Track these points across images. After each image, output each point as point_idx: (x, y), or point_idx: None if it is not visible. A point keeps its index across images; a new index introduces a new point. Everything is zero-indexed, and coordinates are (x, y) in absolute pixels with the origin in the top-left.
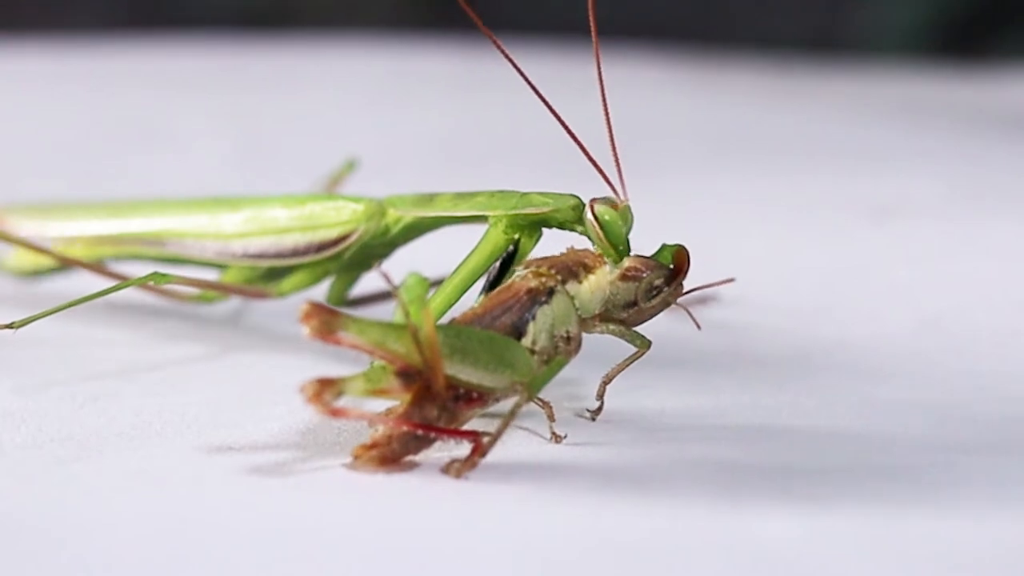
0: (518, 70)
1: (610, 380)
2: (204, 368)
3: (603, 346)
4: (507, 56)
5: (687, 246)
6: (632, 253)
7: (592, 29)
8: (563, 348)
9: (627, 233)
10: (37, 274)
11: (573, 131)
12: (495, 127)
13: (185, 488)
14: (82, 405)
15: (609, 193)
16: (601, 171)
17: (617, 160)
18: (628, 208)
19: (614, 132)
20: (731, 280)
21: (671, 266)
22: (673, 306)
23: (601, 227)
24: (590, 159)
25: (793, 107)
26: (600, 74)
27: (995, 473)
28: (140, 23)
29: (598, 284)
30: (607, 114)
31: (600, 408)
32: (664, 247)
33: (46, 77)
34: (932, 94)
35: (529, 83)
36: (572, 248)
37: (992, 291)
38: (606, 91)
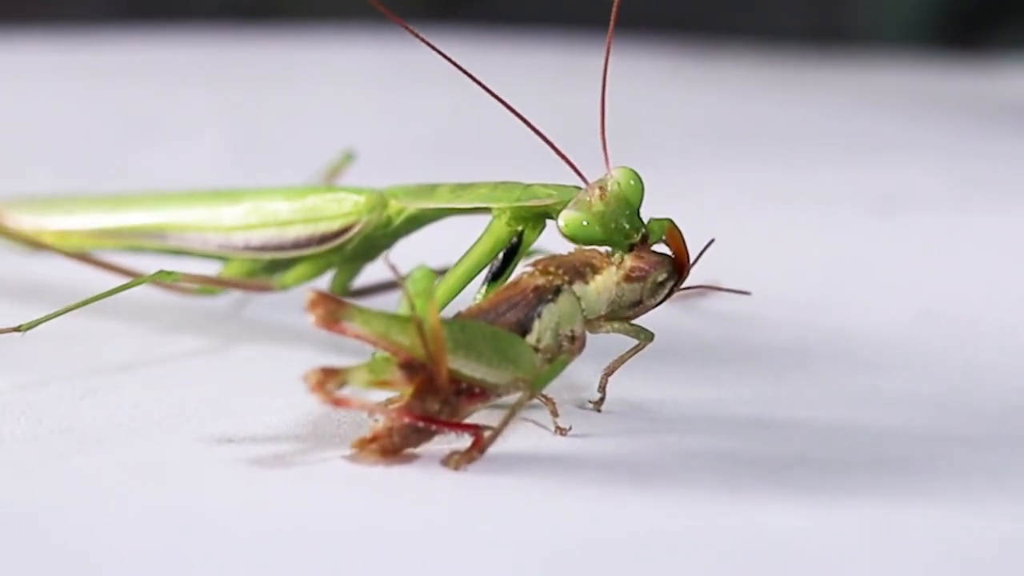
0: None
1: (612, 371)
2: (204, 361)
3: (603, 336)
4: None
5: (681, 229)
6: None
7: (611, 23)
8: (567, 347)
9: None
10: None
11: (524, 118)
12: (494, 119)
13: (185, 480)
14: (82, 398)
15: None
16: (569, 162)
17: (605, 150)
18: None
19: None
20: (747, 293)
21: (672, 257)
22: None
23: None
24: (554, 148)
25: (794, 99)
26: (606, 65)
27: (995, 465)
28: (140, 16)
29: (604, 285)
30: (603, 104)
31: (602, 399)
32: (652, 221)
33: (45, 71)
34: (934, 85)
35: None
36: (579, 248)
37: (993, 283)
38: (606, 84)
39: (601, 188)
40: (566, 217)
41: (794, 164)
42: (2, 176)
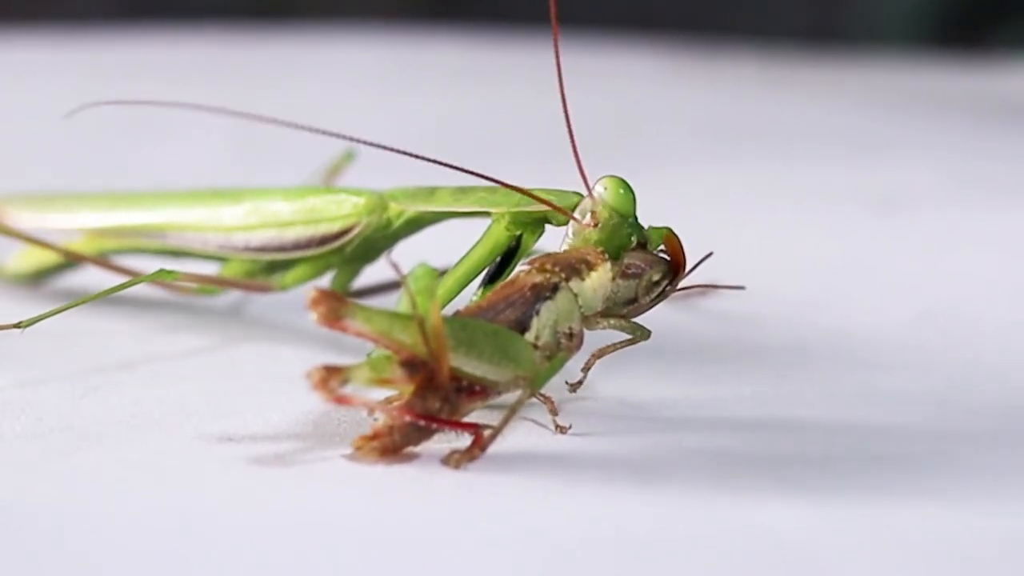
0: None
1: (601, 355)
2: (204, 359)
3: (601, 335)
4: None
5: (677, 232)
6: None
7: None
8: (565, 344)
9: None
10: (39, 277)
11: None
12: (494, 118)
13: (185, 479)
14: (82, 396)
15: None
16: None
17: (580, 165)
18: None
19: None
20: (742, 287)
21: (668, 258)
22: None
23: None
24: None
25: (793, 98)
26: (560, 71)
27: (995, 465)
28: (141, 13)
29: (600, 281)
30: (567, 116)
31: (581, 382)
32: (651, 229)
33: (46, 67)
34: (933, 84)
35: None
36: (574, 245)
37: (992, 281)
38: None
39: (592, 213)
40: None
41: (794, 164)
42: (2, 175)
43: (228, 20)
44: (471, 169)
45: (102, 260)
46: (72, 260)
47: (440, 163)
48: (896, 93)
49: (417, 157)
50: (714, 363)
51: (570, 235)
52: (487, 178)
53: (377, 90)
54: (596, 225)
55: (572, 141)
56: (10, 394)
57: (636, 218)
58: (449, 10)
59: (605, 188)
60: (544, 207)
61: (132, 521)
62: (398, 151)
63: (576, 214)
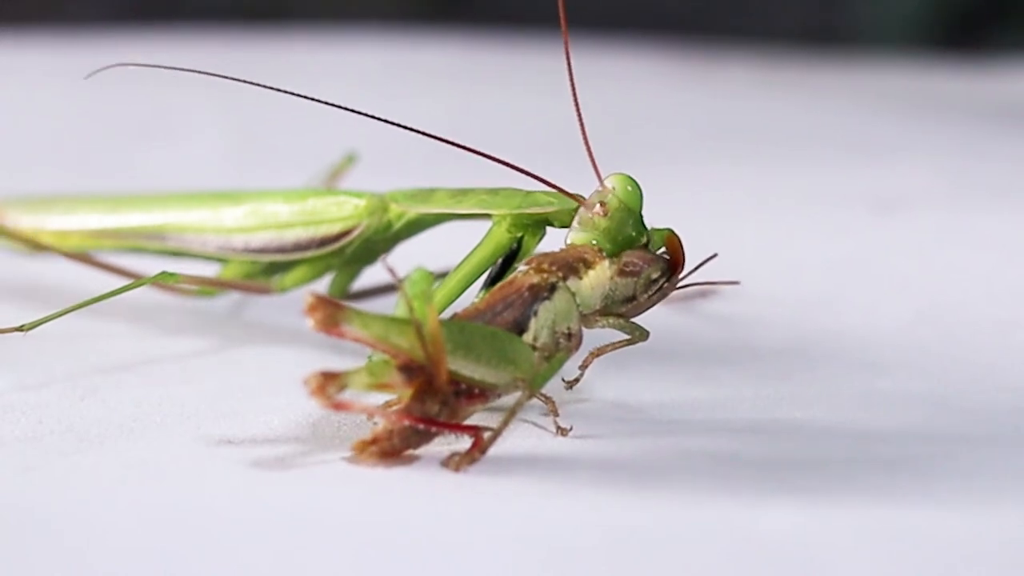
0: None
1: (600, 354)
2: (204, 361)
3: (599, 335)
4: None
5: (678, 232)
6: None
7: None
8: (564, 344)
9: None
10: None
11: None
12: (494, 119)
13: (185, 479)
14: (82, 397)
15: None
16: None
17: (593, 161)
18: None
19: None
20: (736, 283)
21: (667, 257)
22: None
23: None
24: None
25: (792, 99)
26: (570, 69)
27: (995, 464)
28: (141, 17)
29: (598, 280)
30: (579, 112)
31: (578, 379)
32: (653, 231)
33: (46, 70)
34: (931, 86)
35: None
36: (571, 244)
37: (991, 282)
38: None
39: (602, 204)
40: (575, 240)
41: (794, 164)
42: (2, 176)
43: (229, 22)
44: (494, 156)
45: (101, 261)
46: (72, 261)
47: (488, 156)
48: (895, 94)
49: (465, 149)
50: (714, 365)
51: (577, 225)
52: (515, 167)
53: (378, 91)
54: (606, 215)
55: (583, 131)
56: (11, 396)
57: (641, 216)
58: (449, 10)
59: (614, 185)
60: (544, 209)
61: (132, 522)
62: (453, 143)
63: (586, 203)
